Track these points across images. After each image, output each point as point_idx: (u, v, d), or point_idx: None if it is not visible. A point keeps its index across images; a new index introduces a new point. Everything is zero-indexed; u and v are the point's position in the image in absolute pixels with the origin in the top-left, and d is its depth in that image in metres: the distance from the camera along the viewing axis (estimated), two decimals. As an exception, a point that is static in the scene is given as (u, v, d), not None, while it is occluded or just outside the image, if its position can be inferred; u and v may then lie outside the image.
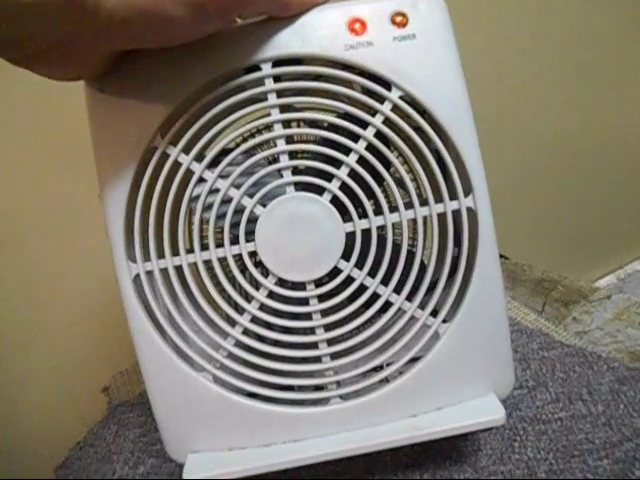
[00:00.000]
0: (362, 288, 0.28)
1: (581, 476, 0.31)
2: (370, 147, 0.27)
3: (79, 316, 0.54)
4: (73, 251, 0.53)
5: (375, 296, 0.29)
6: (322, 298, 0.29)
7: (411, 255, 0.29)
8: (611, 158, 0.76)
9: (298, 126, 0.33)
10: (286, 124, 0.28)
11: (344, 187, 0.28)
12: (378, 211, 0.28)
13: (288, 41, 0.26)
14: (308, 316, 0.29)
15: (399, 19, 0.27)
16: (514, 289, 0.51)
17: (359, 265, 0.28)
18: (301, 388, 0.31)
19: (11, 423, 0.50)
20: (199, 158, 0.28)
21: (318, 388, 0.30)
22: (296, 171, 0.28)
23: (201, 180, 0.28)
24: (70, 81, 0.24)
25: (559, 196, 0.77)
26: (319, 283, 0.29)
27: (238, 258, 0.28)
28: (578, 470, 0.31)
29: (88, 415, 0.46)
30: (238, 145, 0.28)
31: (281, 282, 0.29)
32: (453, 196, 0.28)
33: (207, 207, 0.28)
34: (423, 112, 0.27)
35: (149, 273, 0.28)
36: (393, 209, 0.28)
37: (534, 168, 0.74)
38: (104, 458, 0.41)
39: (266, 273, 0.28)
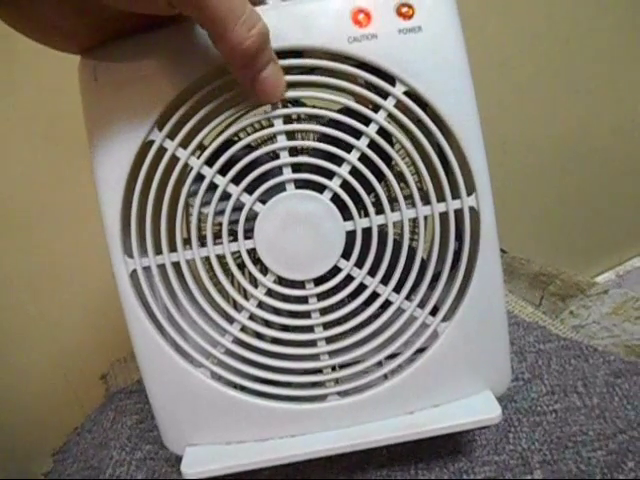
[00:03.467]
0: (361, 287, 0.28)
1: (574, 467, 0.31)
2: (372, 144, 0.27)
3: (78, 304, 0.54)
4: (74, 239, 0.52)
5: (374, 295, 0.28)
6: (321, 296, 0.28)
7: (412, 253, 0.28)
8: (612, 154, 0.76)
9: (298, 121, 0.32)
10: (287, 119, 0.27)
11: (345, 184, 0.27)
12: (379, 209, 0.28)
13: (289, 32, 0.25)
14: (307, 314, 0.29)
15: (405, 10, 0.26)
16: (511, 282, 0.51)
17: (359, 264, 0.28)
18: (299, 384, 0.31)
19: (9, 409, 0.50)
20: (197, 152, 0.27)
21: (316, 384, 0.30)
22: (297, 167, 0.28)
23: (199, 176, 0.27)
24: (62, 51, 0.24)
25: (559, 192, 0.77)
26: (318, 281, 0.28)
27: (237, 255, 0.28)
28: (571, 461, 0.32)
29: (86, 402, 0.47)
30: (235, 142, 0.27)
31: (280, 280, 0.28)
32: (456, 195, 0.27)
33: (205, 203, 0.27)
34: (425, 106, 0.26)
35: (146, 269, 0.28)
36: (394, 208, 0.28)
37: (535, 163, 0.74)
38: (101, 444, 0.41)
39: (265, 271, 0.28)
